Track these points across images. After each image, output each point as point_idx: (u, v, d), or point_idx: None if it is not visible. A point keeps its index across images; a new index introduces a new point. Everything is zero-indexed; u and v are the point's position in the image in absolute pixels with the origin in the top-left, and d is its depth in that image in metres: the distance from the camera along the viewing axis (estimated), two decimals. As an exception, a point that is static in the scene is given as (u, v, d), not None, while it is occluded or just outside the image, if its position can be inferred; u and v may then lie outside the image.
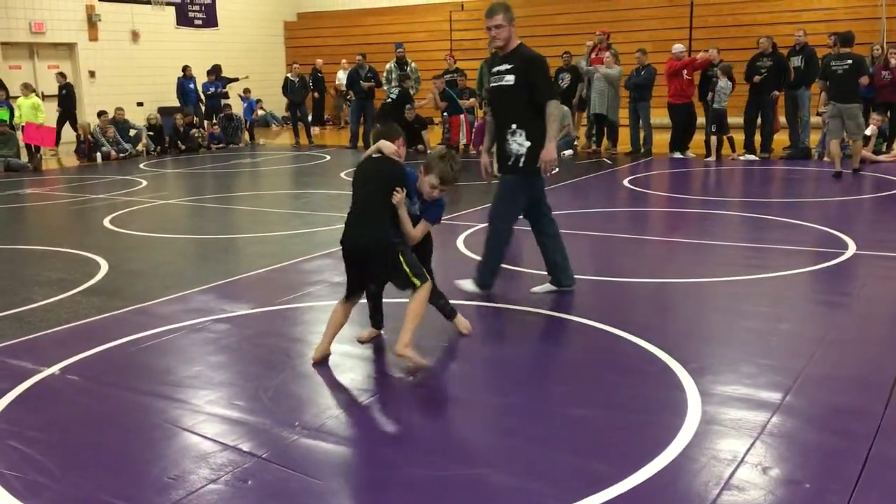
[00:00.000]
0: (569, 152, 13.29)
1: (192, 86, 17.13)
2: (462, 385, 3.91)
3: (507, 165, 4.99)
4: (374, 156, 4.26)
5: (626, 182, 10.38)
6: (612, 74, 12.83)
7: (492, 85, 5.06)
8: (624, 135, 13.56)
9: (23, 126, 13.93)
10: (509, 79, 4.90)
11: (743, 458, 2.98)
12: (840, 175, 10.22)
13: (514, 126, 4.92)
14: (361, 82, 15.41)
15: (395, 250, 3.98)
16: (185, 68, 17.01)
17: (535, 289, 5.28)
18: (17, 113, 14.13)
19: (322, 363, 4.10)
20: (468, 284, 5.14)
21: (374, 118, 14.16)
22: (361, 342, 4.40)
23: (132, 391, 3.80)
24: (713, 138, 12.24)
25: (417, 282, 3.95)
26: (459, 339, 4.38)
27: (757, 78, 11.91)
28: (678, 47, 12.78)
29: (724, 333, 4.48)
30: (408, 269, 3.96)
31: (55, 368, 4.08)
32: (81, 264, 6.41)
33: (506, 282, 5.79)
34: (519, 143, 4.90)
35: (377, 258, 4.05)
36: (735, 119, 12.55)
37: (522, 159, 4.90)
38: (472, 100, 14.27)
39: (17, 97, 14.58)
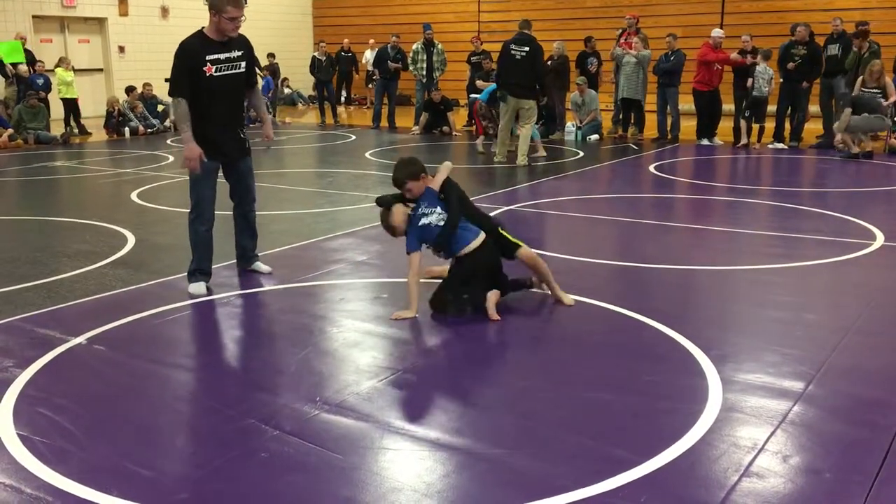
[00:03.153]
0: (595, 137, 13.21)
1: None
2: (484, 366, 3.92)
3: (244, 149, 5.17)
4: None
5: (651, 168, 10.30)
6: (644, 55, 12.70)
7: (227, 73, 4.86)
8: (651, 120, 13.45)
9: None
10: (243, 66, 4.97)
11: (763, 446, 2.97)
12: (857, 156, 10.60)
13: (242, 113, 5.19)
14: (389, 62, 15.35)
15: None
16: None
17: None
18: (63, 88, 14.35)
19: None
20: (262, 266, 5.38)
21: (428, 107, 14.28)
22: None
23: (157, 363, 3.85)
24: (743, 125, 12.11)
25: None
26: (483, 322, 4.38)
27: (791, 65, 11.75)
28: (717, 32, 12.57)
29: (747, 322, 4.45)
30: None
31: (82, 338, 4.14)
32: (109, 237, 6.49)
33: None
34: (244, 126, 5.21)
35: None
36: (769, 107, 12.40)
37: (249, 141, 5.23)
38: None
39: (51, 70, 14.77)
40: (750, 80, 11.98)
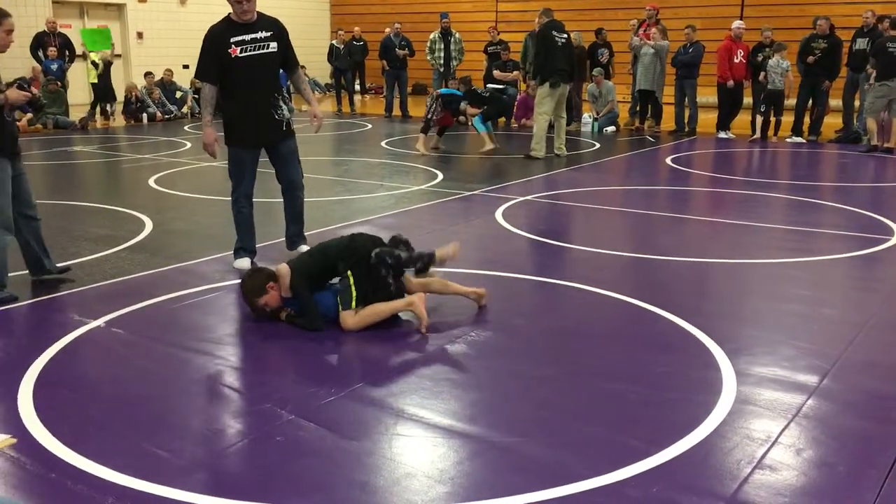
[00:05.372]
0: (611, 128, 13.16)
1: None
2: (498, 355, 3.93)
3: (282, 132, 5.18)
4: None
5: (668, 160, 10.26)
6: (662, 46, 12.63)
7: (251, 53, 4.93)
8: (668, 113, 13.38)
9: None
10: (273, 46, 5.01)
11: (777, 439, 2.97)
12: (876, 149, 10.56)
13: (276, 94, 5.13)
14: (396, 50, 15.27)
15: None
16: None
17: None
18: (93, 73, 14.49)
19: None
20: (305, 248, 5.33)
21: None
22: None
23: (174, 346, 3.89)
24: (759, 119, 12.03)
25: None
26: (497, 311, 4.40)
27: (810, 59, 11.64)
28: (738, 24, 12.46)
29: (762, 315, 4.44)
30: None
31: (100, 321, 4.19)
32: (127, 222, 6.54)
33: (543, 255, 5.80)
34: (286, 108, 5.21)
35: None
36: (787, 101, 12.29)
37: (292, 122, 5.27)
38: (515, 73, 14.10)
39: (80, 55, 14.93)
40: (763, 74, 11.90)
